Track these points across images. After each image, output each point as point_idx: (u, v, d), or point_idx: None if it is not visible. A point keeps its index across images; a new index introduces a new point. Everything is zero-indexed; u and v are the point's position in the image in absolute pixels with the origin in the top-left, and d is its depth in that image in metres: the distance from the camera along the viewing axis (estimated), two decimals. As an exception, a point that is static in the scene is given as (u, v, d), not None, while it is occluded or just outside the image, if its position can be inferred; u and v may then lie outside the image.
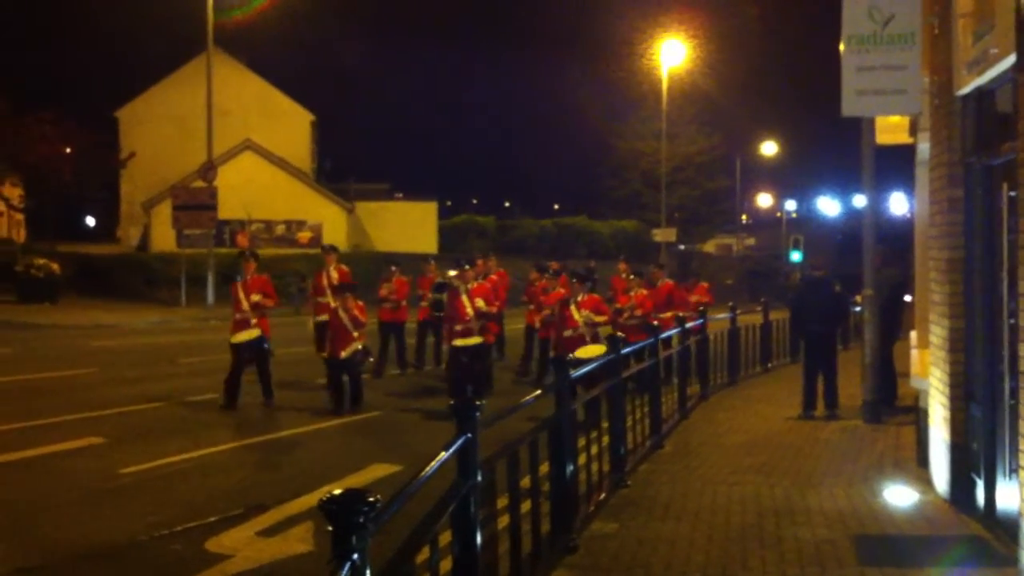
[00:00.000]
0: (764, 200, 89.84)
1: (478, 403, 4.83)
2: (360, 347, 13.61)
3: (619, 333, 11.28)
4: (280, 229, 49.70)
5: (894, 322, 14.02)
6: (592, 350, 12.47)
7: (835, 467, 10.02)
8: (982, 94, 7.72)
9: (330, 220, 50.78)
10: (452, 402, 4.90)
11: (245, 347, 13.93)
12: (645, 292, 16.05)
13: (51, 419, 12.78)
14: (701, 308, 16.43)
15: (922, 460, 9.67)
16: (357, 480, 9.56)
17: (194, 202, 35.62)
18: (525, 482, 6.16)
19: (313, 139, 56.51)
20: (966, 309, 8.08)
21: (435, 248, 49.54)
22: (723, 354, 16.96)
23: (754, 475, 9.64)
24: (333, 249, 17.36)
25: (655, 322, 13.65)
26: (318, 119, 56.69)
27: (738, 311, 18.08)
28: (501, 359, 19.01)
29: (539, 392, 7.13)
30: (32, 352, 21.54)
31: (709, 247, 72.92)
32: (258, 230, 48.24)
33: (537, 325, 17.05)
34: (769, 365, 19.28)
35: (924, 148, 10.01)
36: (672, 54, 47.46)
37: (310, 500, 8.55)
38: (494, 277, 17.98)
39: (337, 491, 3.09)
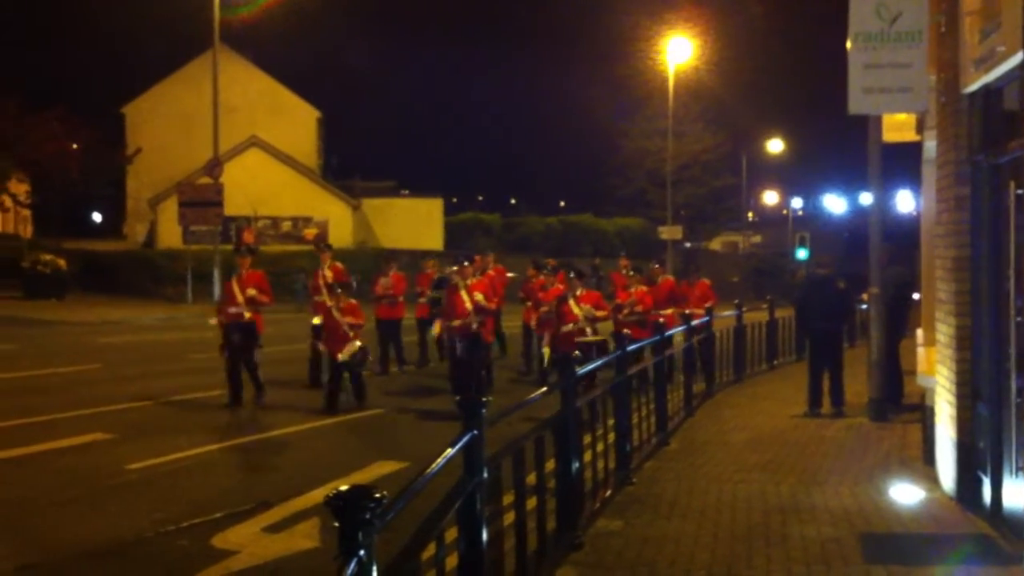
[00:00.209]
0: (770, 198, 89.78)
1: (484, 400, 4.83)
2: (359, 346, 13.48)
3: (625, 330, 11.30)
4: (286, 226, 49.76)
5: (900, 320, 13.99)
6: (590, 338, 12.85)
7: (841, 465, 10.01)
8: (989, 92, 7.71)
9: (336, 217, 50.83)
10: (458, 399, 4.91)
11: (235, 326, 13.80)
12: (645, 288, 15.92)
13: (57, 415, 12.81)
14: (708, 306, 16.41)
15: (928, 458, 9.66)
16: (363, 477, 9.57)
17: (200, 199, 35.69)
18: (531, 479, 6.16)
19: (319, 136, 56.53)
20: (973, 307, 8.07)
21: (441, 245, 49.61)
22: (729, 351, 16.94)
23: (760, 473, 9.63)
24: (328, 247, 17.18)
25: (660, 319, 13.66)
26: (324, 116, 56.72)
27: (744, 308, 18.04)
28: (503, 356, 18.98)
29: (545, 389, 7.13)
30: (38, 348, 21.58)
31: (715, 245, 72.86)
32: (264, 227, 48.31)
33: (533, 324, 16.92)
34: (775, 363, 19.27)
35: (931, 146, 10.00)
36: (678, 52, 47.43)
37: (316, 496, 8.55)
38: (491, 273, 17.81)
39: (343, 487, 3.09)
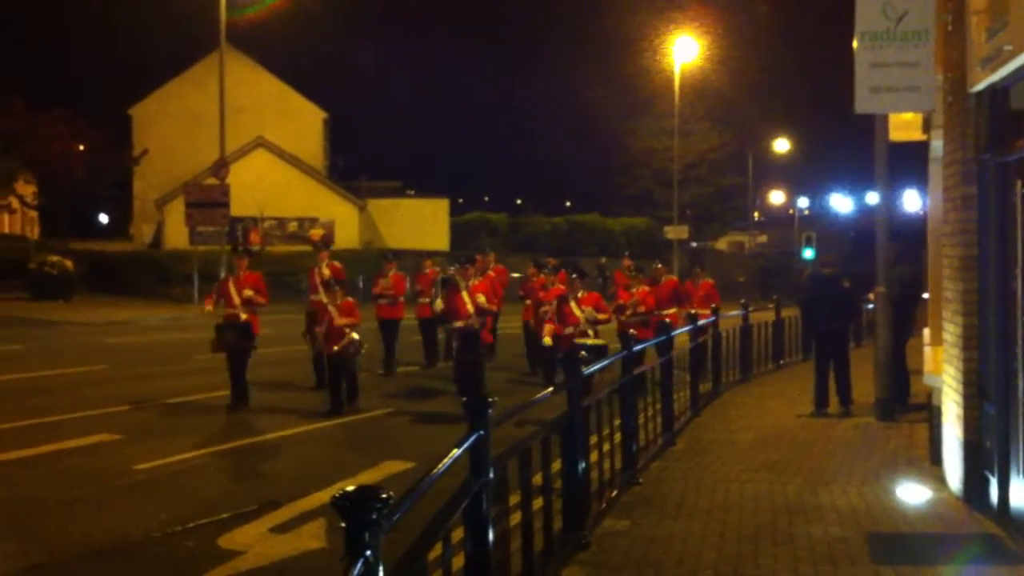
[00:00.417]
0: (776, 197, 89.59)
1: (491, 400, 4.83)
2: (353, 338, 13.42)
3: (631, 331, 11.25)
4: (292, 226, 49.79)
5: (907, 319, 13.97)
6: (589, 340, 12.61)
7: (848, 465, 10.00)
8: (996, 91, 7.69)
9: (342, 217, 50.86)
10: (464, 400, 4.91)
11: (229, 326, 13.76)
12: (647, 289, 15.73)
13: (64, 416, 12.84)
14: (714, 306, 16.36)
15: (935, 458, 9.64)
16: (369, 477, 9.58)
17: (207, 199, 35.69)
18: (537, 479, 6.16)
19: (325, 136, 56.56)
20: (980, 306, 8.06)
21: (447, 245, 49.59)
22: (735, 351, 16.91)
23: (766, 472, 9.63)
24: (325, 246, 17.10)
25: (666, 319, 13.61)
26: (331, 116, 56.73)
27: (750, 308, 18.02)
28: (491, 359, 18.42)
29: (551, 389, 7.13)
30: (45, 349, 21.62)
31: (721, 244, 72.72)
32: (271, 227, 48.37)
33: (533, 322, 16.71)
34: (781, 362, 19.25)
35: (937, 145, 9.98)
36: (685, 51, 47.36)
37: (322, 497, 8.57)
38: (491, 274, 17.65)
39: (350, 488, 3.09)
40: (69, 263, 36.33)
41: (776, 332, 19.43)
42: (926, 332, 11.26)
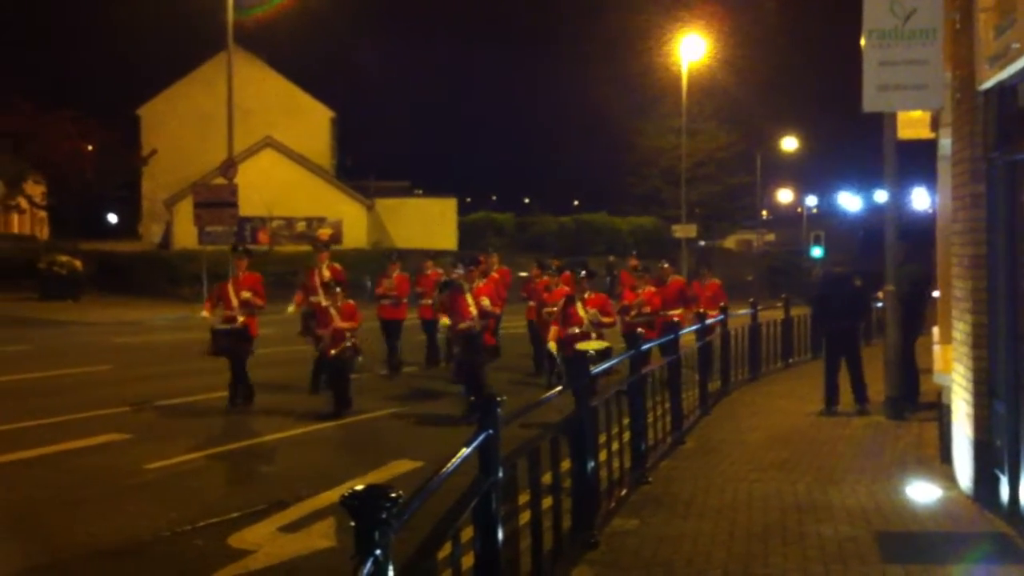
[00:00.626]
0: (784, 196, 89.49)
1: (499, 399, 4.83)
2: (349, 344, 13.29)
3: (639, 330, 11.22)
4: (301, 226, 49.89)
5: (916, 318, 13.94)
6: (593, 344, 12.41)
7: (857, 464, 9.98)
8: (1004, 89, 7.68)
9: (350, 217, 50.97)
10: (473, 399, 4.92)
11: (224, 333, 13.69)
12: (653, 289, 15.57)
13: (73, 416, 12.87)
14: (723, 305, 16.32)
15: (945, 457, 9.62)
16: (379, 476, 9.59)
17: (215, 199, 35.73)
18: (546, 478, 6.17)
19: (333, 136, 56.66)
20: (989, 305, 8.04)
21: (454, 245, 49.67)
22: (744, 350, 16.88)
23: (776, 471, 9.62)
24: (326, 247, 16.86)
25: (675, 318, 13.57)
26: (338, 116, 56.83)
27: (759, 307, 17.98)
28: (494, 360, 18.55)
29: (560, 389, 7.13)
30: (54, 349, 21.69)
31: (729, 243, 72.69)
32: (279, 227, 48.48)
33: (537, 322, 16.54)
34: (790, 361, 19.20)
35: (946, 143, 9.96)
36: (692, 50, 47.30)
37: (332, 496, 8.58)
38: (495, 275, 17.38)
39: (359, 487, 3.10)
40: (78, 263, 36.44)
41: (785, 331, 19.38)
42: (935, 331, 11.24)
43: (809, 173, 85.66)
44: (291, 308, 15.73)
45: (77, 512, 8.48)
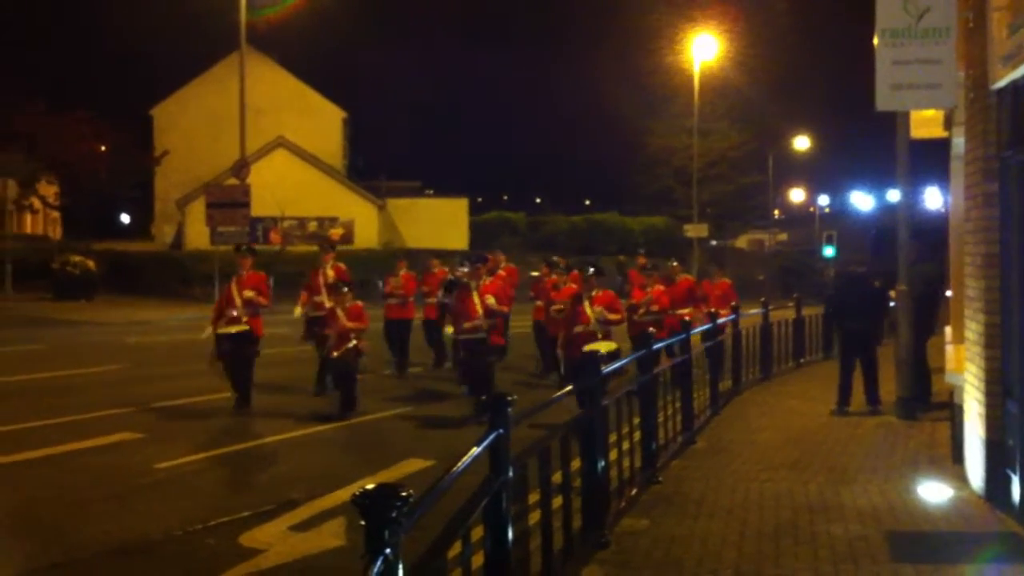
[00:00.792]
0: (797, 195, 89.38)
1: (509, 398, 4.83)
2: (352, 345, 13.10)
3: (650, 329, 11.17)
4: (312, 226, 49.99)
5: (928, 318, 13.90)
6: (602, 346, 12.04)
7: (869, 463, 9.96)
8: (1017, 88, 7.64)
9: (362, 217, 51.05)
10: (482, 398, 4.92)
11: (228, 337, 13.43)
12: (662, 288, 15.37)
13: (85, 415, 12.92)
14: (734, 304, 16.27)
15: (957, 457, 9.59)
16: (389, 475, 9.59)
17: (228, 200, 35.82)
18: (556, 478, 6.16)
19: (345, 136, 56.74)
20: (1002, 304, 8.01)
21: (466, 245, 49.67)
22: (756, 350, 16.84)
23: (787, 471, 9.60)
24: (331, 246, 16.65)
25: (686, 317, 13.50)
26: (350, 116, 56.91)
27: (771, 307, 17.94)
28: (501, 359, 17.93)
29: (570, 388, 7.13)
30: (67, 349, 21.77)
31: (741, 243, 72.58)
32: (291, 227, 48.55)
33: (544, 321, 16.38)
34: (802, 361, 19.15)
35: (959, 142, 9.93)
36: (704, 49, 47.24)
37: (342, 495, 8.59)
38: (502, 273, 17.07)
39: (370, 486, 3.10)
40: (91, 263, 36.59)
41: (797, 330, 19.33)
42: (948, 330, 11.20)
43: (821, 172, 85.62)
44: (297, 311, 15.59)
45: (88, 511, 8.51)
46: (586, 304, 12.71)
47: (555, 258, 18.50)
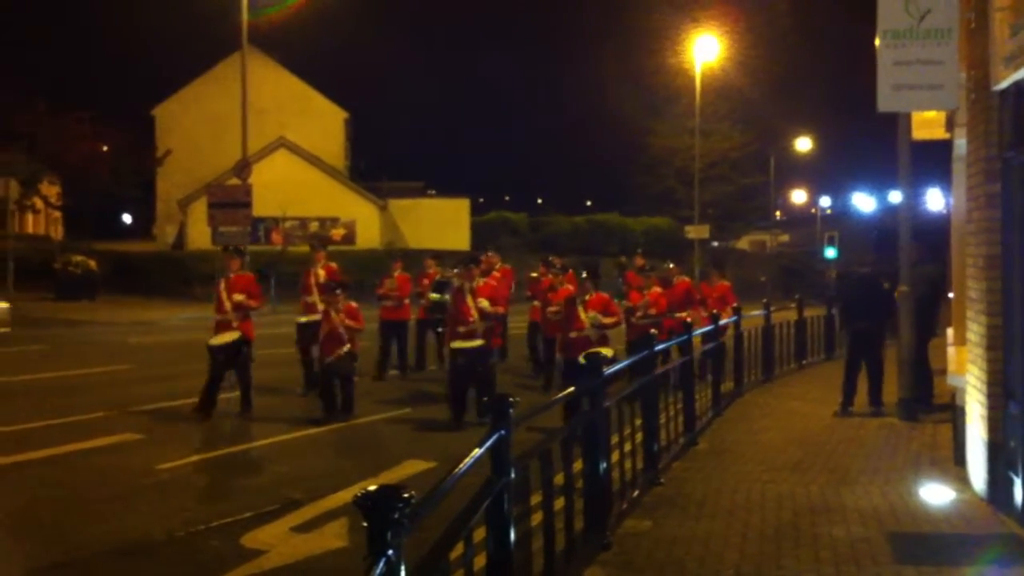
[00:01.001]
0: (798, 196, 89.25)
1: (511, 400, 4.83)
2: (346, 351, 12.91)
3: (652, 330, 11.14)
4: (314, 226, 49.98)
5: (930, 319, 13.90)
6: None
7: (871, 465, 9.96)
8: (1019, 89, 7.64)
9: (363, 218, 51.05)
10: (485, 400, 4.91)
11: (220, 349, 13.07)
12: (659, 290, 15.19)
13: (88, 415, 12.93)
14: (736, 306, 16.22)
15: (959, 458, 9.59)
16: (391, 476, 9.60)
17: (229, 200, 35.72)
18: (558, 479, 6.16)
19: (347, 136, 56.76)
20: (1004, 306, 8.01)
21: (467, 245, 49.66)
22: (757, 351, 16.82)
23: (789, 473, 9.59)
24: (322, 246, 16.33)
25: (688, 319, 13.46)
26: (352, 117, 56.92)
27: (772, 308, 17.92)
28: (502, 361, 17.86)
29: (572, 389, 7.13)
30: (69, 349, 21.78)
31: (743, 244, 72.50)
32: (292, 227, 48.53)
33: (541, 323, 16.14)
34: (804, 362, 19.14)
35: (961, 144, 9.93)
36: (706, 50, 47.18)
37: (344, 496, 8.59)
38: (496, 275, 16.77)
39: (372, 487, 3.10)
40: (93, 263, 36.61)
41: (799, 332, 19.32)
42: (950, 332, 11.20)
43: (823, 174, 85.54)
44: (301, 319, 15.32)
45: (90, 511, 8.51)
46: (580, 309, 12.44)
47: (552, 258, 18.26)
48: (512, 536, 4.72)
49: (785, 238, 79.60)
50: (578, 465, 6.75)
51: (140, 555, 7.37)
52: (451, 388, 12.86)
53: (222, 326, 13.35)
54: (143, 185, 52.45)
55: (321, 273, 15.28)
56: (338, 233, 49.73)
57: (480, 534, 4.57)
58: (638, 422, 8.73)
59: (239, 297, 13.28)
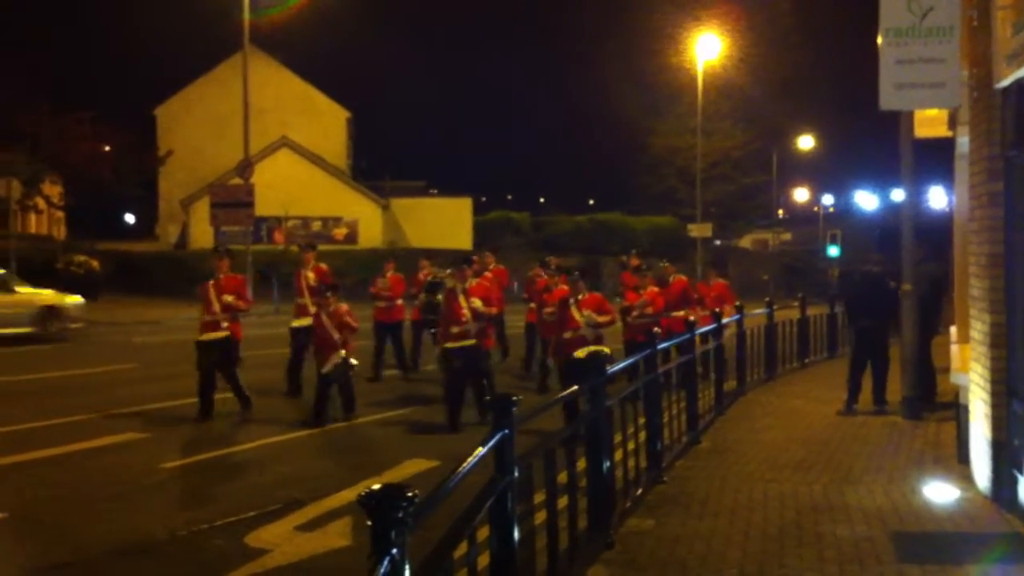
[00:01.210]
0: (801, 195, 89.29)
1: (515, 398, 4.83)
2: (342, 356, 12.81)
3: (656, 329, 11.10)
4: (316, 226, 50.04)
5: (932, 318, 13.89)
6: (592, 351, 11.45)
7: (874, 463, 9.95)
8: (1022, 87, 7.63)
9: (366, 217, 51.10)
10: (487, 399, 4.91)
11: (207, 346, 12.98)
12: (656, 289, 14.98)
13: (91, 415, 12.95)
14: (738, 304, 16.19)
15: (962, 457, 9.58)
16: (394, 475, 9.60)
17: (232, 199, 35.82)
18: (562, 478, 6.16)
19: (349, 136, 56.81)
20: (1007, 304, 8.00)
21: (470, 244, 49.72)
22: (760, 350, 16.81)
23: (792, 471, 9.59)
24: (311, 247, 16.10)
25: (691, 318, 13.42)
26: (354, 116, 56.97)
27: (775, 307, 17.90)
28: (503, 360, 17.98)
29: (576, 388, 7.12)
30: (72, 349, 21.79)
31: (745, 242, 72.50)
32: (294, 227, 48.60)
33: (537, 325, 16.09)
34: (807, 361, 19.13)
35: (963, 142, 9.91)
36: (707, 49, 47.21)
37: (348, 495, 8.60)
38: (488, 275, 16.25)
39: (376, 486, 3.11)
40: (95, 263, 36.64)
41: (801, 330, 19.30)
42: (952, 330, 11.19)
43: (825, 172, 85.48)
44: (294, 323, 15.17)
45: (94, 511, 8.52)
46: (573, 308, 12.22)
47: (548, 258, 18.16)
48: (516, 535, 4.73)
49: (787, 236, 79.58)
50: (581, 464, 6.75)
51: (143, 554, 7.38)
52: (448, 390, 12.77)
53: (210, 326, 13.18)
54: (145, 185, 52.50)
55: (311, 275, 15.14)
56: (340, 233, 49.80)
57: (484, 533, 4.58)
58: (641, 421, 8.74)
59: (229, 298, 13.15)
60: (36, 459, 10.45)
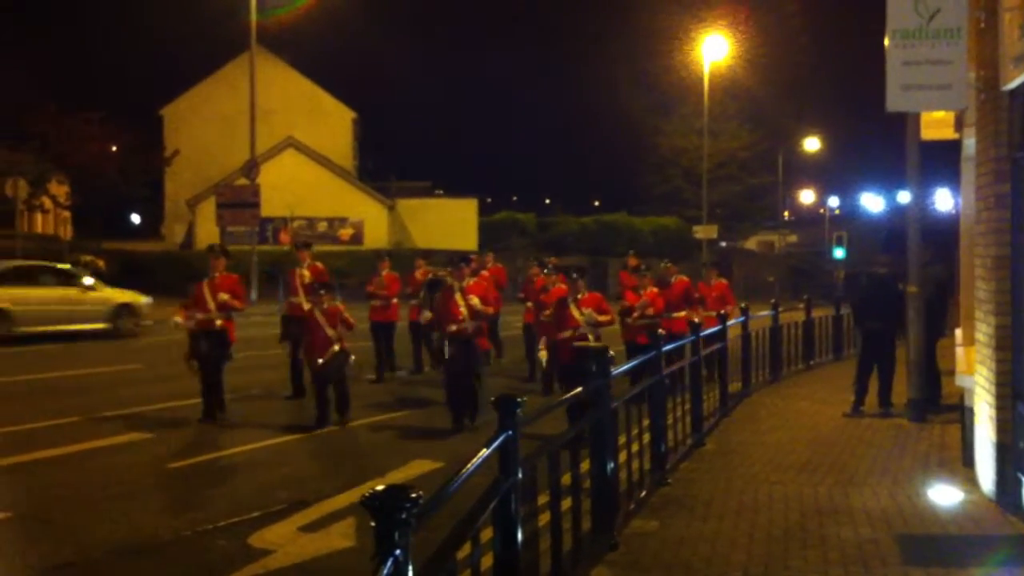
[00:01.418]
0: (807, 196, 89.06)
1: (519, 400, 4.83)
2: (337, 350, 12.69)
3: (660, 330, 11.08)
4: (322, 226, 50.02)
5: (938, 320, 13.86)
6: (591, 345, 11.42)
7: (879, 466, 9.94)
8: (1029, 89, 7.63)
9: (371, 218, 51.09)
10: (492, 400, 4.91)
11: (202, 335, 12.88)
12: (655, 290, 14.80)
13: (96, 415, 12.96)
14: (743, 306, 16.17)
15: (967, 459, 9.57)
16: (398, 476, 9.60)
17: (238, 200, 35.93)
18: (566, 479, 6.16)
19: (355, 137, 56.83)
20: (1013, 306, 7.99)
21: (475, 245, 49.67)
22: (765, 351, 16.78)
23: (796, 473, 9.58)
24: (306, 245, 16.02)
25: (696, 319, 13.39)
26: (360, 117, 56.99)
27: (780, 308, 17.88)
28: (498, 358, 17.74)
29: (579, 390, 7.11)
30: (78, 348, 21.81)
31: (751, 244, 72.43)
32: (300, 227, 48.61)
33: (535, 325, 15.76)
34: (812, 363, 19.11)
35: (970, 144, 9.90)
36: (714, 49, 47.19)
37: (351, 496, 8.59)
38: (485, 274, 16.00)
39: (379, 487, 3.10)
40: (101, 263, 36.71)
41: (806, 332, 19.28)
42: (958, 332, 11.17)
43: (831, 173, 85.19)
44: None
45: (98, 511, 8.52)
46: (573, 307, 12.14)
47: (546, 258, 17.96)
48: (519, 536, 4.72)
49: (793, 238, 79.54)
50: (585, 466, 6.75)
51: (146, 555, 7.38)
52: (449, 391, 12.76)
53: (203, 324, 13.06)
54: (151, 185, 52.56)
55: (306, 274, 15.00)
56: (346, 233, 49.81)
57: (487, 534, 4.57)
58: (645, 423, 8.73)
59: (224, 297, 13.10)
60: (41, 459, 10.46)
